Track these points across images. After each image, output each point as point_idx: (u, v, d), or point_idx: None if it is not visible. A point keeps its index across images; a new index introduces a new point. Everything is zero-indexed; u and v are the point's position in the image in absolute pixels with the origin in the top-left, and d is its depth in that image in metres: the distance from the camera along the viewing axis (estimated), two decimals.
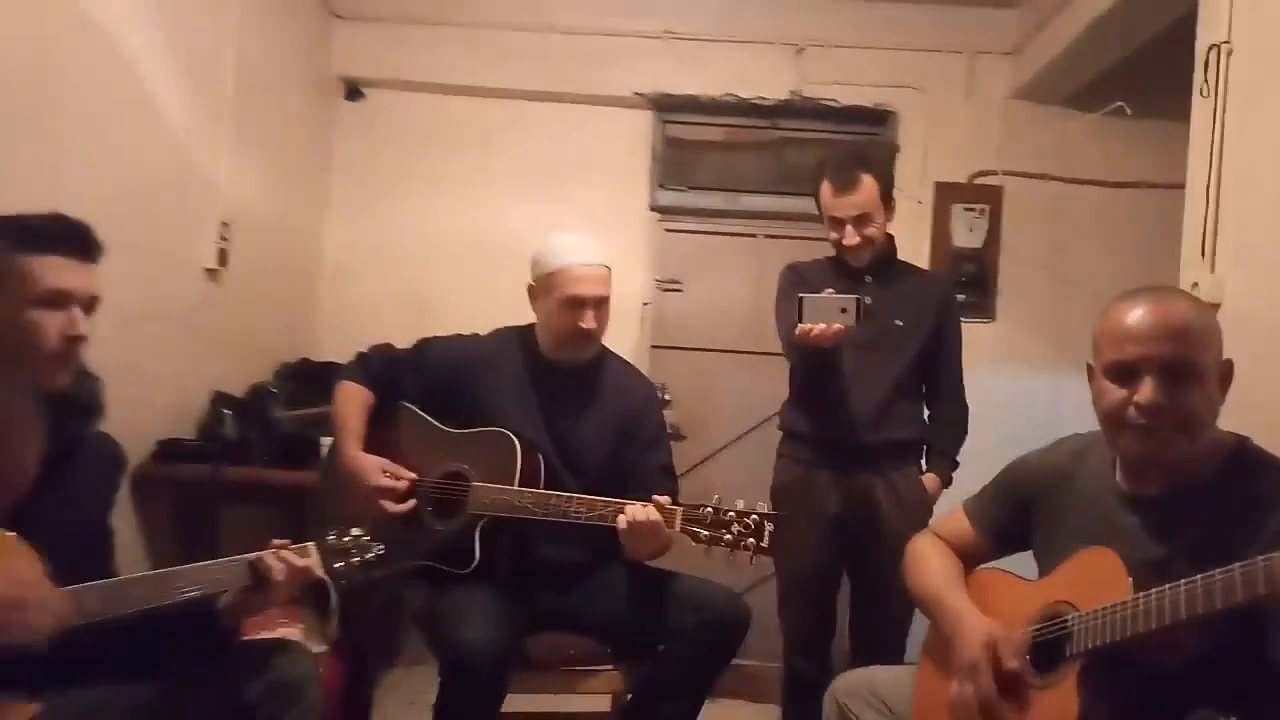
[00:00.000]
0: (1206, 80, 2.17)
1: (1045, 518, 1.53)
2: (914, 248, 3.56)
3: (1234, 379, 1.36)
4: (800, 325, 2.00)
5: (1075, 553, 1.40)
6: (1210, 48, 2.17)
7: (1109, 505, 1.41)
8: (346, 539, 1.57)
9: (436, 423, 2.07)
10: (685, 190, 3.70)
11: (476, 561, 1.90)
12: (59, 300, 1.35)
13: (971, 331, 3.43)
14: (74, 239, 1.39)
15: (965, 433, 2.32)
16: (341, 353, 3.13)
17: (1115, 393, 1.33)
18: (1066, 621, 1.32)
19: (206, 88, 2.65)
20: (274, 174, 3.16)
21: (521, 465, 1.93)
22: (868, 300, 2.06)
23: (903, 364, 2.25)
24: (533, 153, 3.66)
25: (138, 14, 2.29)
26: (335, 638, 1.82)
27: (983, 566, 1.62)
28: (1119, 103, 3.12)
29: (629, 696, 1.99)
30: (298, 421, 2.73)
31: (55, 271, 1.35)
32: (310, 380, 3.00)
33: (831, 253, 2.32)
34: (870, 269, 2.25)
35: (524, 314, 2.15)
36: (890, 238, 2.31)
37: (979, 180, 3.57)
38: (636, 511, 1.75)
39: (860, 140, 3.62)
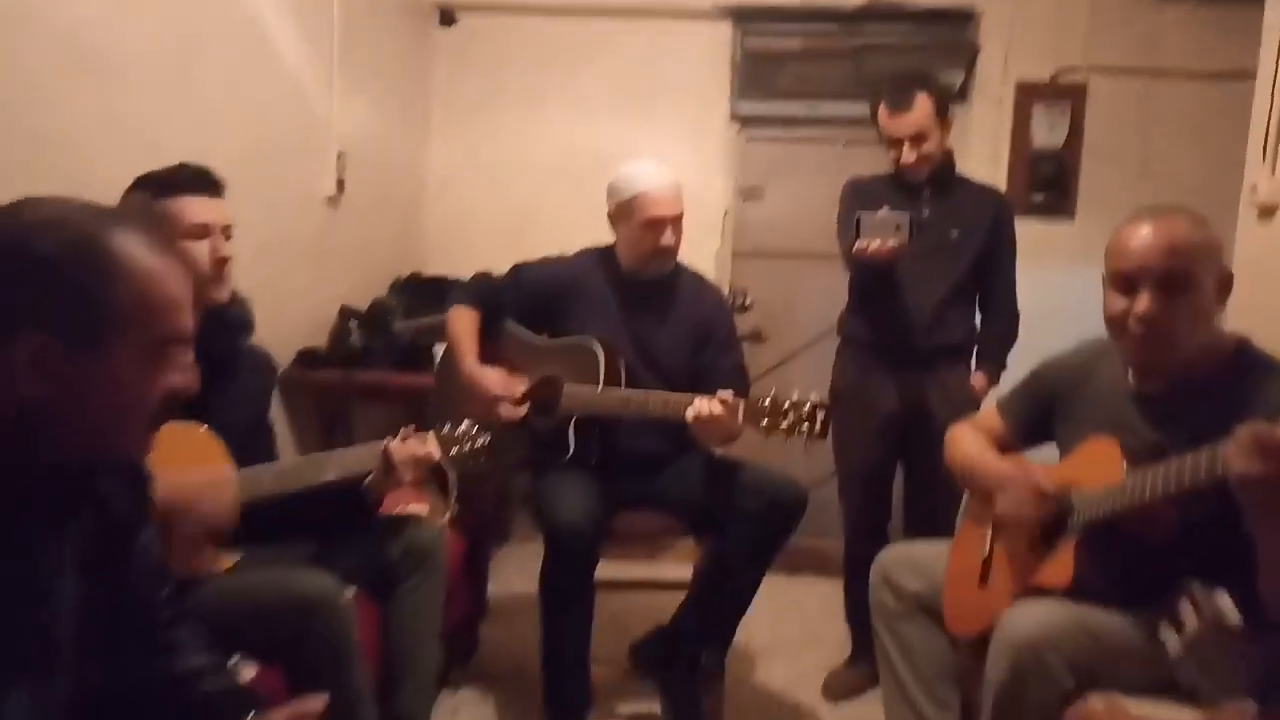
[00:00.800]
0: None
1: (1065, 412, 1.70)
2: (993, 150, 3.60)
3: None
4: (858, 244, 2.15)
5: (1085, 442, 1.59)
6: None
7: (1119, 400, 1.58)
8: (459, 430, 1.87)
9: (533, 336, 2.35)
10: (765, 100, 3.77)
11: (571, 452, 2.19)
12: (201, 231, 1.60)
13: (1049, 231, 3.53)
14: (200, 181, 1.64)
15: (1015, 337, 2.45)
16: (448, 266, 3.48)
17: (1117, 302, 1.48)
18: (1070, 498, 1.53)
19: (315, 31, 2.88)
20: (380, 105, 3.42)
21: (605, 369, 2.17)
22: (925, 213, 2.18)
23: (957, 272, 2.37)
24: (617, 70, 3.80)
25: None
26: (455, 514, 2.16)
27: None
28: None
29: (702, 566, 2.27)
30: (413, 331, 3.04)
31: (192, 208, 1.59)
32: (421, 292, 3.32)
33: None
34: (928, 183, 2.35)
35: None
36: (948, 153, 2.40)
37: (1062, 78, 3.54)
38: (702, 405, 1.95)
39: (934, 45, 3.59)
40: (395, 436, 1.78)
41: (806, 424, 1.88)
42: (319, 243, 3.00)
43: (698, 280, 2.42)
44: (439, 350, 2.62)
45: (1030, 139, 3.55)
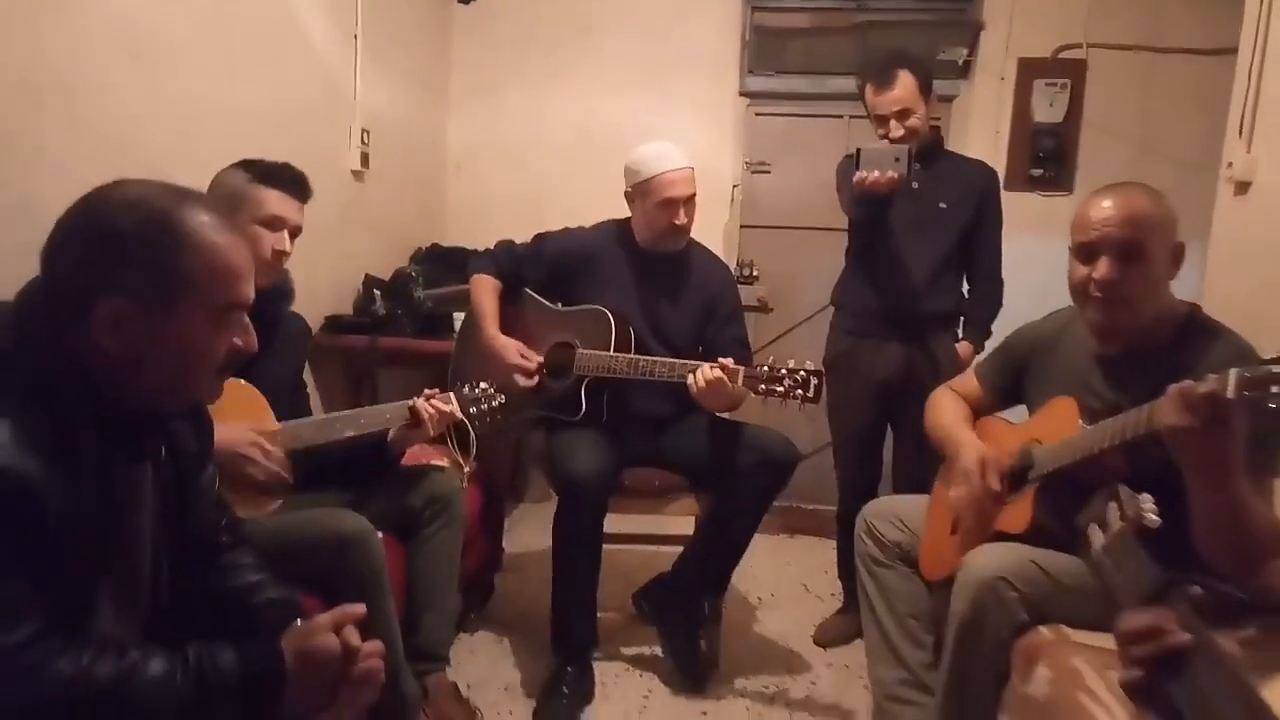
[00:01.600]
0: None
1: (1035, 375, 1.85)
2: (994, 124, 3.69)
3: (1264, 260, 1.56)
4: (857, 174, 2.24)
5: (1048, 402, 1.73)
6: None
7: (1083, 364, 1.72)
8: (478, 390, 2.04)
9: (550, 303, 2.50)
10: (773, 75, 3.87)
11: (583, 411, 2.35)
12: (275, 224, 1.79)
13: (1049, 204, 3.63)
14: (294, 182, 1.83)
15: (1000, 305, 2.57)
16: (466, 238, 3.64)
17: (1080, 270, 1.62)
18: (1031, 453, 1.67)
19: (340, 12, 3.02)
20: (401, 82, 3.56)
21: (615, 335, 2.32)
22: (914, 185, 2.27)
23: (946, 243, 2.49)
24: (631, 46, 3.93)
25: None
26: (474, 469, 2.32)
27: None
28: None
29: (702, 518, 2.43)
30: (434, 299, 3.20)
31: (277, 202, 1.78)
32: (441, 262, 3.48)
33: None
34: (916, 157, 2.45)
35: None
36: (935, 128, 2.52)
37: (1063, 54, 3.62)
38: (704, 371, 2.09)
39: (939, 22, 3.68)
40: (420, 396, 1.95)
41: (801, 390, 2.01)
42: (345, 215, 3.16)
43: (708, 257, 2.55)
44: (458, 318, 2.78)
45: (1031, 114, 3.64)
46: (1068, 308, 1.81)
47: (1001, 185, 2.61)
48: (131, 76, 2.07)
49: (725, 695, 2.35)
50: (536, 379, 2.35)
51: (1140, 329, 1.61)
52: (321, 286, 3.05)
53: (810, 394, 2.02)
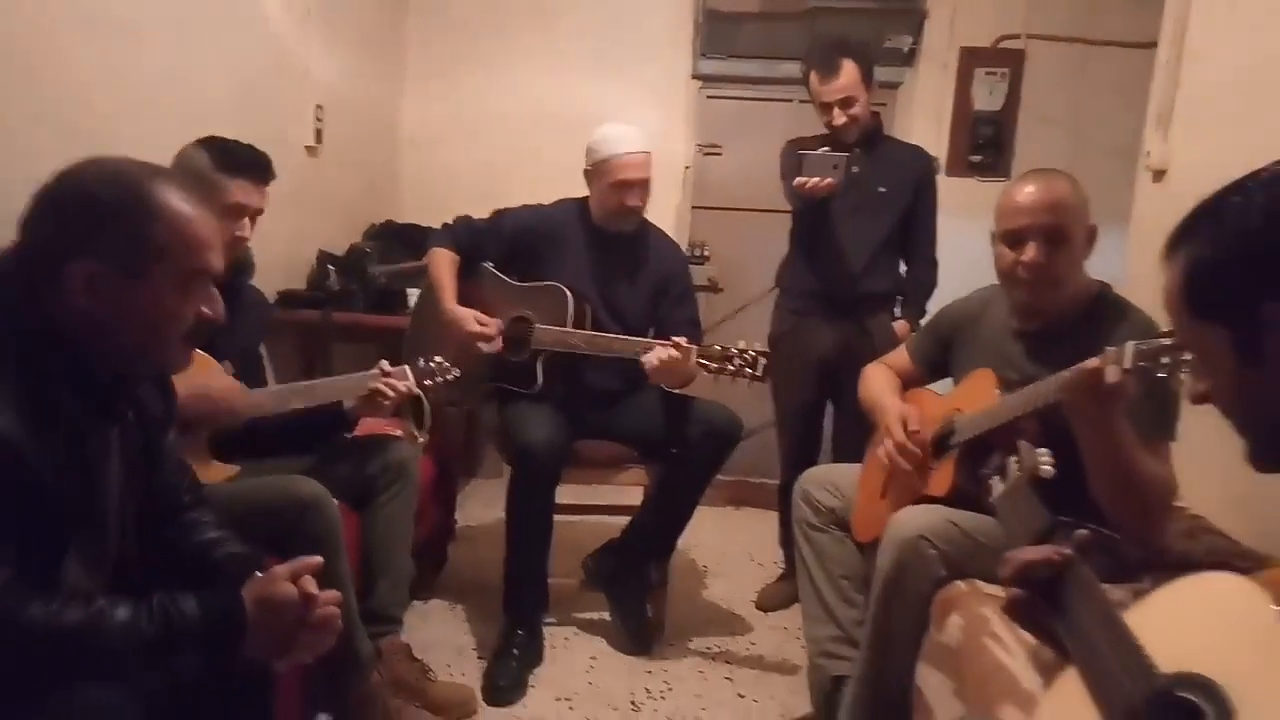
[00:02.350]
0: None
1: (960, 349, 1.97)
2: (936, 111, 3.81)
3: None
4: (798, 179, 2.37)
5: (970, 374, 1.85)
6: None
7: (1003, 339, 1.84)
8: (433, 364, 2.10)
9: (508, 279, 2.55)
10: (725, 59, 3.94)
11: (539, 384, 2.42)
12: (236, 211, 1.82)
13: (985, 189, 3.75)
14: (257, 167, 1.85)
15: (934, 285, 2.69)
16: (420, 215, 3.67)
17: (1007, 254, 1.73)
18: (953, 421, 1.79)
19: None
20: (357, 58, 3.57)
21: (573, 312, 2.39)
22: (855, 156, 2.39)
23: (885, 226, 2.61)
24: (585, 28, 3.98)
25: None
26: (427, 441, 2.38)
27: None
28: None
29: (651, 487, 2.52)
30: (387, 275, 3.23)
31: (239, 191, 1.81)
32: (395, 238, 3.51)
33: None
34: (858, 143, 2.57)
35: (581, 178, 2.52)
36: (876, 115, 2.63)
37: (1003, 44, 3.76)
38: (659, 350, 2.18)
39: (885, 10, 3.78)
40: (376, 369, 2.01)
41: (750, 369, 2.12)
42: (299, 190, 3.16)
43: (664, 238, 2.63)
44: (413, 294, 2.82)
45: (971, 102, 3.77)
46: (991, 285, 1.92)
47: (942, 170, 2.74)
48: (84, 51, 2.08)
49: (670, 656, 2.46)
50: (498, 344, 2.39)
51: (1057, 308, 1.73)
52: (275, 261, 3.07)
53: (758, 373, 2.13)
